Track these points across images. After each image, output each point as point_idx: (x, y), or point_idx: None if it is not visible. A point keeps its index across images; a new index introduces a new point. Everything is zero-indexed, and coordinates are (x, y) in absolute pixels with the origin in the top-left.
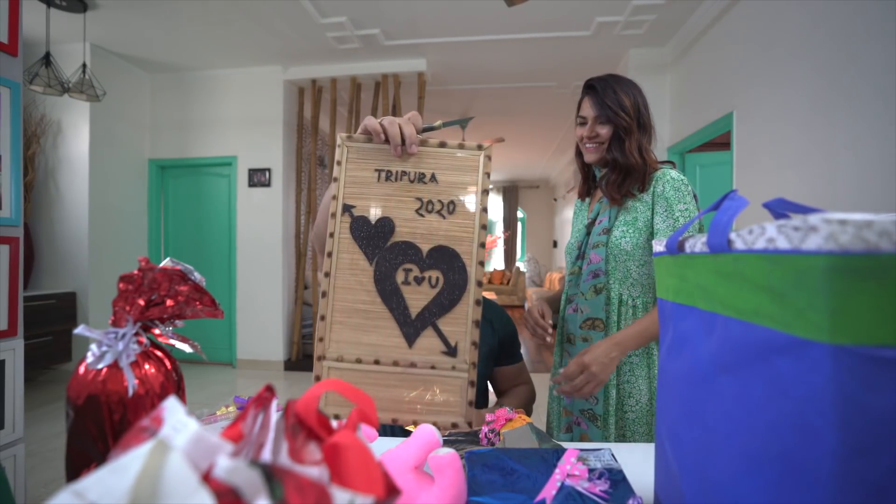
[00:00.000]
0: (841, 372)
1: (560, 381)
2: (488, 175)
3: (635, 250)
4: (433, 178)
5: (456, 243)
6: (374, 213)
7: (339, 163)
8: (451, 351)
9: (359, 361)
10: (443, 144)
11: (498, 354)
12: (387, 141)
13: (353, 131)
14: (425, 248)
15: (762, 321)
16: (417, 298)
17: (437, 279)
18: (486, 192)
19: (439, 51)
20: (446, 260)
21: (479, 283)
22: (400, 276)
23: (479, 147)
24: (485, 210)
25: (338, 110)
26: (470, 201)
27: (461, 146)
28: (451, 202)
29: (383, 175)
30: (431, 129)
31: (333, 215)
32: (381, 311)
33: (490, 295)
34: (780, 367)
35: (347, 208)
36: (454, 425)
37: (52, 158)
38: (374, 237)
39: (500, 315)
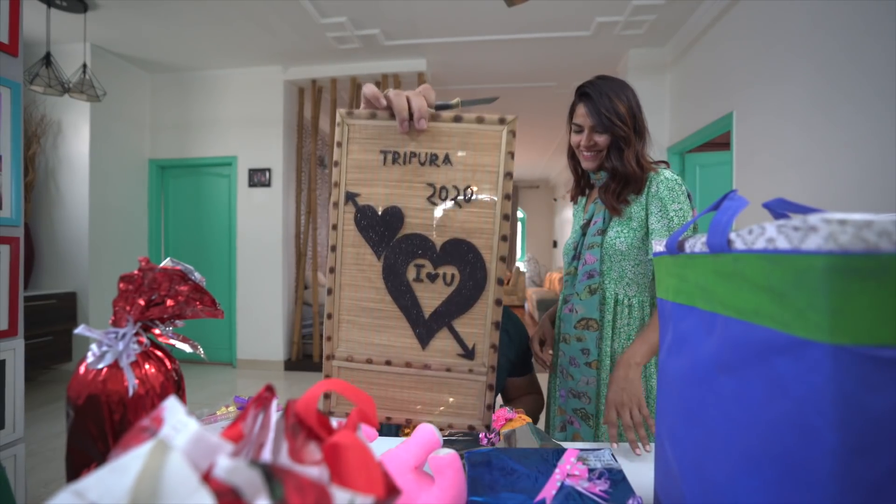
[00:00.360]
0: (841, 372)
1: (615, 441)
2: (512, 155)
3: (630, 250)
4: (447, 160)
5: (473, 236)
6: (381, 202)
7: (339, 144)
8: (468, 354)
9: (370, 361)
10: (458, 119)
11: (513, 366)
12: (392, 115)
13: None
14: (439, 241)
15: (762, 321)
16: (431, 297)
17: (453, 276)
18: (508, 175)
19: (439, 51)
20: (462, 255)
21: (500, 282)
22: (411, 273)
23: (502, 121)
24: (507, 197)
25: (338, 110)
26: (489, 187)
27: (480, 120)
28: (468, 188)
29: (389, 157)
30: (447, 107)
31: (336, 205)
32: (392, 311)
33: None
34: (780, 367)
35: (351, 196)
36: (471, 427)
37: (52, 158)
38: (381, 229)
39: (517, 325)
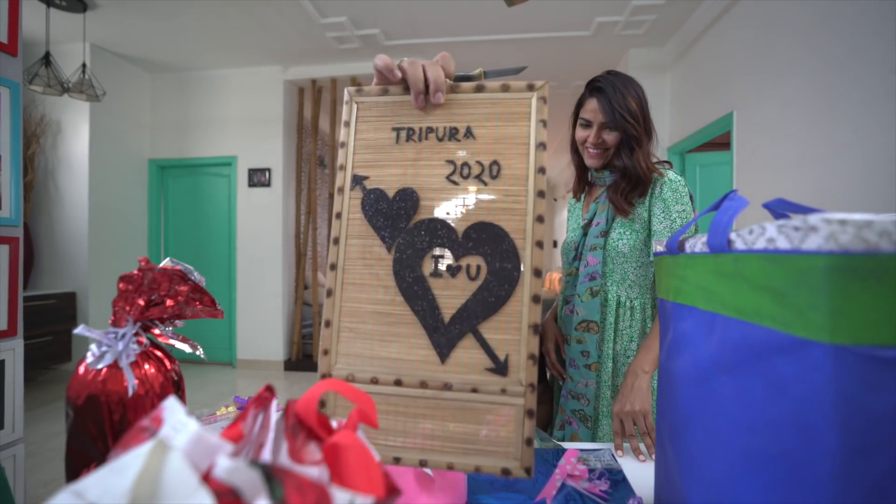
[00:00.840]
0: (841, 372)
1: (621, 449)
2: (544, 123)
3: (633, 252)
4: (469, 133)
5: (503, 218)
6: (393, 184)
7: (347, 124)
8: (500, 368)
9: (375, 382)
10: (480, 89)
11: None
12: (406, 88)
13: None
14: (461, 226)
15: (762, 321)
16: (452, 295)
17: (478, 268)
18: (542, 145)
19: (439, 51)
20: (490, 241)
21: (538, 273)
22: (427, 266)
23: (531, 87)
24: (542, 171)
25: (338, 110)
26: (520, 160)
27: (505, 88)
28: (495, 163)
29: (403, 134)
30: (468, 78)
31: (340, 190)
32: (404, 314)
33: None
34: (781, 367)
35: (358, 180)
36: (505, 471)
37: (51, 158)
38: (392, 215)
39: None
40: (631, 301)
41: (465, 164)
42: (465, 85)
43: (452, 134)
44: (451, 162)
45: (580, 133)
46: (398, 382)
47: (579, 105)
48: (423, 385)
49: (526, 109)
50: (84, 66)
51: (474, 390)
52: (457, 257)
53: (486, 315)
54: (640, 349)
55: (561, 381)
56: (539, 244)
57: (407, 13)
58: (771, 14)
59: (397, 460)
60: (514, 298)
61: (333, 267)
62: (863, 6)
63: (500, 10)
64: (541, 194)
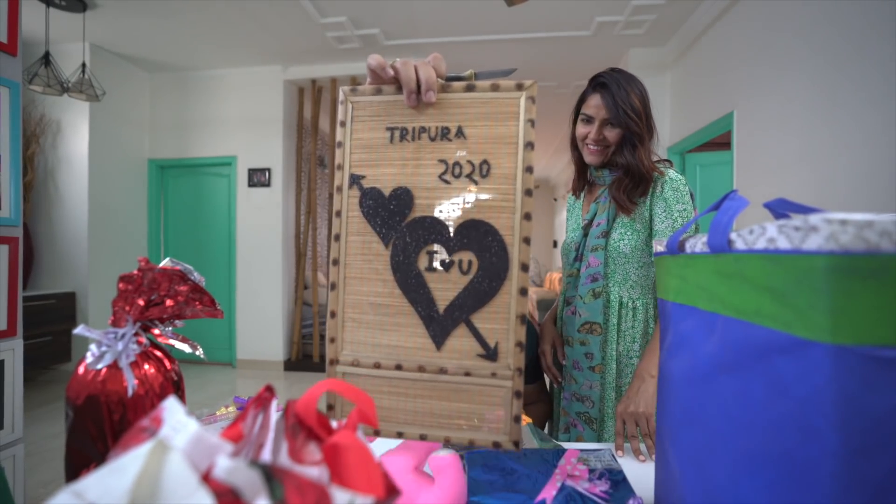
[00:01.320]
0: (842, 372)
1: (621, 449)
2: (532, 123)
3: (634, 252)
4: (460, 133)
5: (492, 215)
6: (388, 184)
7: (342, 124)
8: (490, 354)
9: (377, 366)
10: (470, 88)
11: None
12: (399, 89)
13: None
14: (453, 223)
15: (763, 321)
16: (446, 288)
17: (470, 263)
18: (530, 145)
19: (439, 50)
20: (480, 238)
21: (524, 267)
22: (423, 261)
23: (519, 86)
24: (529, 170)
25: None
26: (509, 159)
27: (495, 88)
28: (485, 162)
29: (397, 134)
30: (460, 79)
31: (339, 189)
32: (402, 305)
33: None
34: (781, 367)
35: (355, 179)
36: (496, 444)
37: (51, 158)
38: (389, 213)
39: (529, 328)
40: (633, 302)
41: (457, 163)
42: (456, 84)
43: (444, 133)
44: (443, 161)
45: (581, 129)
46: (398, 367)
47: (581, 101)
48: (421, 369)
49: (515, 109)
50: (84, 65)
51: (467, 374)
52: (450, 252)
53: (477, 306)
54: (645, 353)
55: (556, 384)
56: (526, 240)
57: (407, 13)
58: (771, 13)
59: (400, 434)
60: (503, 291)
61: (336, 262)
62: (865, 5)
63: (500, 9)
64: (528, 192)
